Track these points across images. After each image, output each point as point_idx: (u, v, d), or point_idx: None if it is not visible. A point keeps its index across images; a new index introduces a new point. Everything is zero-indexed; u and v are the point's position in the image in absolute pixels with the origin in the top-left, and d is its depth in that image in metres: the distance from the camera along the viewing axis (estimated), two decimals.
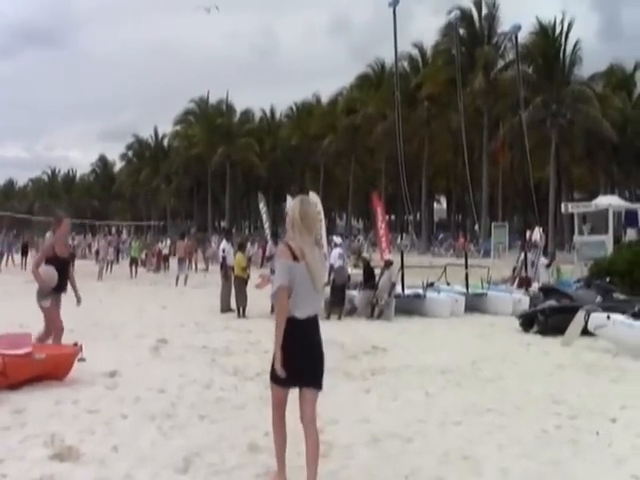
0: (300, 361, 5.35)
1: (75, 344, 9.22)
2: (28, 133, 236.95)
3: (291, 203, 5.60)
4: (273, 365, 5.26)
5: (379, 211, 22.50)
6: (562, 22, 53.42)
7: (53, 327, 9.72)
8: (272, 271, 12.89)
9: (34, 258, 11.19)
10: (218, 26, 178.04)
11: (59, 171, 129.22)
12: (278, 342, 5.21)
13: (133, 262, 35.44)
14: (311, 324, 5.51)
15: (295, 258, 5.26)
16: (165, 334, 13.58)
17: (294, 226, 5.32)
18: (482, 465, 6.14)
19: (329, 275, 18.54)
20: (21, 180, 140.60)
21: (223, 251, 20.12)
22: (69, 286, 10.21)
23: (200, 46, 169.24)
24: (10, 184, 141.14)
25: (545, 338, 14.30)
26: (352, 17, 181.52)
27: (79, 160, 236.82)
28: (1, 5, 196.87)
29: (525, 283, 21.24)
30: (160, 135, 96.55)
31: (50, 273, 9.64)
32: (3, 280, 29.83)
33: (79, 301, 10.18)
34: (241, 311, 17.81)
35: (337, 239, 21.49)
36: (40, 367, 8.52)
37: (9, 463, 5.90)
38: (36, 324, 10.22)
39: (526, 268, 21.97)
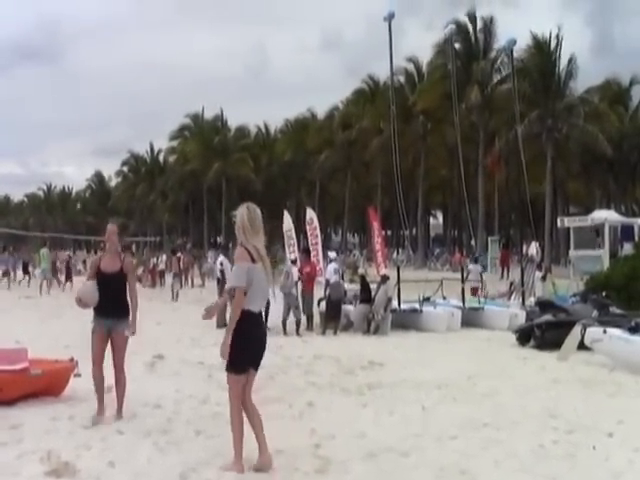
0: (256, 348, 6.18)
1: (71, 359, 9.21)
2: (22, 149, 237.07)
3: (240, 209, 6.29)
4: (231, 360, 6.04)
5: (375, 226, 22.53)
6: (558, 36, 53.58)
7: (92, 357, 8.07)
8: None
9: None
10: (211, 43, 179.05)
11: (54, 187, 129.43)
12: (229, 333, 6.00)
13: None
14: (262, 316, 6.46)
15: (253, 260, 6.08)
16: (161, 350, 13.54)
17: (245, 231, 6.18)
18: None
19: (325, 290, 18.54)
20: (16, 196, 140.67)
21: (221, 264, 20.08)
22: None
23: (194, 63, 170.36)
24: (6, 200, 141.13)
25: (541, 352, 14.29)
26: (344, 33, 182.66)
27: (74, 176, 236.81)
28: None
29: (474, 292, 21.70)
30: (156, 151, 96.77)
31: (87, 289, 8.09)
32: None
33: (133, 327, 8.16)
34: None
35: (332, 254, 21.49)
36: (36, 383, 8.51)
37: (5, 479, 5.89)
38: (32, 339, 10.20)
39: (523, 282, 21.99)
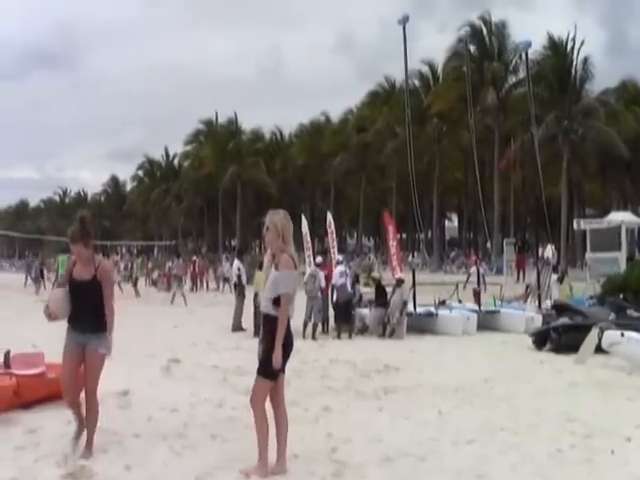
0: (289, 353, 6.27)
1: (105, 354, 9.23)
2: (38, 154, 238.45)
3: (277, 216, 6.26)
4: (269, 365, 6.07)
5: (390, 229, 22.47)
6: (573, 38, 53.39)
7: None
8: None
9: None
10: (225, 46, 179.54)
11: (70, 191, 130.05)
12: (280, 342, 6.03)
13: (135, 282, 35.68)
14: None
15: (295, 267, 6.24)
16: (177, 353, 13.57)
17: (285, 238, 6.20)
18: None
19: (331, 293, 18.50)
20: (33, 201, 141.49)
21: (238, 270, 20.08)
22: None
23: (208, 66, 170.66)
24: (23, 205, 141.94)
25: (558, 356, 14.21)
26: (357, 36, 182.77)
27: (89, 180, 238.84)
28: (11, 29, 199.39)
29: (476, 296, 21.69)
30: (171, 155, 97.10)
31: (56, 297, 6.98)
32: (16, 300, 29.98)
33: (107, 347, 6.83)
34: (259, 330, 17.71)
35: (339, 257, 21.43)
36: (53, 387, 8.52)
37: None
38: (48, 343, 10.21)
39: (539, 285, 21.88)
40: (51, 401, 8.57)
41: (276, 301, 6.11)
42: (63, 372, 6.86)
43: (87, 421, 6.87)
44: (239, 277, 19.81)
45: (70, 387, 6.85)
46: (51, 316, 6.81)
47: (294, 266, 6.20)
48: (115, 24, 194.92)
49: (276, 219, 6.23)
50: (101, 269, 6.78)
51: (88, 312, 6.70)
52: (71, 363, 6.77)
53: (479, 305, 19.92)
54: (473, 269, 26.29)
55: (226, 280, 37.69)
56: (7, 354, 8.89)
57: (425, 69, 64.13)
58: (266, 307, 6.19)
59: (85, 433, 6.89)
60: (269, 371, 6.11)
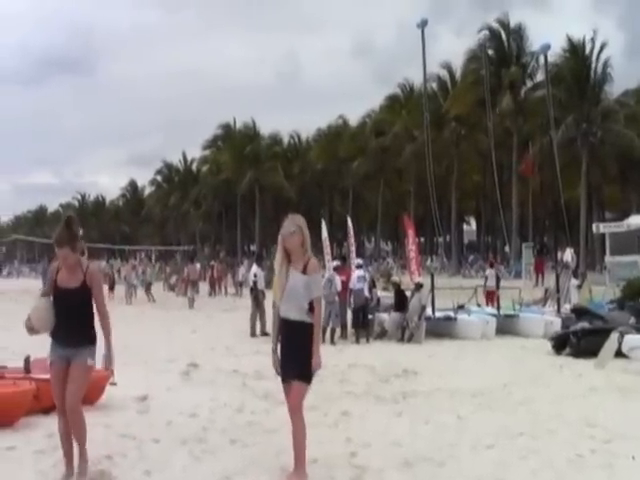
0: None
1: (106, 368, 9.27)
2: (57, 159, 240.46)
3: (301, 219, 6.16)
4: (309, 369, 6.01)
5: (410, 233, 22.42)
6: (592, 40, 53.14)
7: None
8: None
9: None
10: (243, 51, 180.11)
11: (89, 196, 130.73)
12: (319, 345, 6.08)
13: (149, 287, 35.90)
14: None
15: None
16: (195, 358, 13.61)
17: (307, 242, 6.12)
18: None
19: (349, 297, 18.49)
20: (51, 206, 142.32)
21: (255, 275, 20.13)
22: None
23: (225, 71, 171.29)
24: (42, 210, 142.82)
25: (578, 360, 14.13)
26: (375, 40, 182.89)
27: (108, 185, 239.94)
28: (30, 35, 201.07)
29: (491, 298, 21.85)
30: (189, 160, 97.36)
31: (38, 307, 6.21)
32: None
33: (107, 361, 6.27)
34: None
35: (359, 260, 21.44)
36: None
37: None
38: None
39: (558, 289, 21.79)
40: None
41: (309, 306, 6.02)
42: (55, 394, 6.17)
43: (75, 439, 6.15)
44: (255, 282, 19.87)
45: (64, 409, 6.12)
46: (33, 330, 6.10)
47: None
48: (133, 30, 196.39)
49: (301, 222, 6.11)
50: (90, 274, 6.14)
51: (75, 323, 6.04)
52: (61, 383, 6.07)
53: (498, 308, 19.86)
54: (489, 271, 26.37)
55: (240, 285, 37.89)
56: (27, 359, 8.96)
57: (443, 73, 64.07)
58: (296, 313, 6.01)
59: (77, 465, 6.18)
60: (310, 375, 6.02)
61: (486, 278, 25.51)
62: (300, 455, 6.03)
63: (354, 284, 18.34)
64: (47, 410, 8.37)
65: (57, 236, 6.14)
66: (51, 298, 6.17)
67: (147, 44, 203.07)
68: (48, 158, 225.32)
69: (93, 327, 6.16)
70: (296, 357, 5.99)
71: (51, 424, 7.92)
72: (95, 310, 6.16)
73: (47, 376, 8.44)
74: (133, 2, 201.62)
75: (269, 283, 20.29)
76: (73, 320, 6.04)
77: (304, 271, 6.01)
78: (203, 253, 77.74)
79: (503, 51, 58.48)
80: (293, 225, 6.06)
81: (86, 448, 6.17)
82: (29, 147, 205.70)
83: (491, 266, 27.76)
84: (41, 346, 8.37)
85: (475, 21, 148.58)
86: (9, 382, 8.34)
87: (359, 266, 19.76)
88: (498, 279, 25.48)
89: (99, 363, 6.23)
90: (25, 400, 8.09)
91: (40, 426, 7.92)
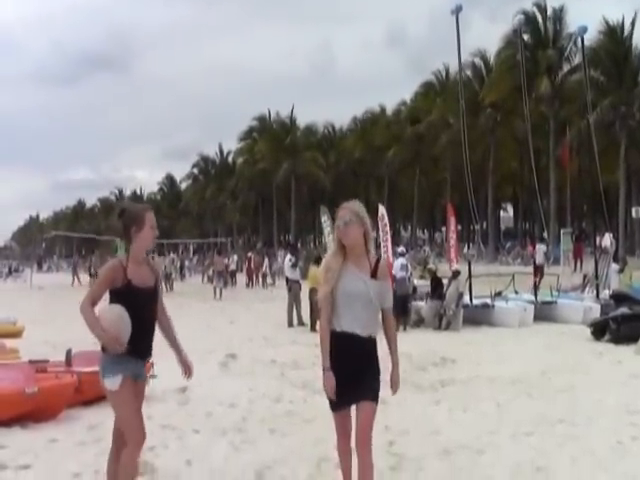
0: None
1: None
2: (95, 155, 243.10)
3: (359, 206, 4.95)
4: (379, 389, 4.91)
5: (452, 221, 22.30)
6: (633, 22, 52.29)
7: (128, 435, 4.96)
8: None
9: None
10: (277, 43, 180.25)
11: (126, 190, 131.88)
12: (398, 361, 5.01)
13: (168, 277, 36.52)
14: None
15: None
16: (234, 349, 13.73)
17: (368, 234, 5.00)
18: (555, 477, 6.06)
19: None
20: (90, 201, 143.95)
21: (289, 264, 20.20)
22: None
23: (260, 63, 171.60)
24: (80, 205, 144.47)
25: (618, 346, 14.01)
26: (408, 29, 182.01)
27: (145, 180, 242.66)
28: (67, 35, 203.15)
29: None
30: (225, 152, 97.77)
31: (115, 316, 4.88)
32: (75, 299, 30.53)
33: (187, 368, 5.36)
34: (317, 325, 17.84)
35: (400, 249, 21.40)
36: None
37: (85, 477, 6.08)
38: None
39: (597, 275, 21.58)
40: None
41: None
42: (130, 418, 4.98)
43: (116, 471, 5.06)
44: (289, 273, 19.95)
45: (143, 435, 5.03)
46: (118, 342, 4.85)
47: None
48: (167, 26, 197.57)
49: (360, 210, 4.93)
50: (156, 269, 5.33)
51: (151, 331, 5.12)
52: (136, 403, 5.07)
53: (535, 295, 19.73)
54: (539, 246, 27.90)
55: (276, 275, 38.11)
56: (69, 352, 9.09)
57: (477, 60, 63.51)
58: (366, 327, 4.81)
59: None
60: (378, 398, 4.88)
61: (535, 254, 26.39)
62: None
63: (396, 272, 18.32)
64: (88, 402, 8.52)
65: (134, 217, 5.07)
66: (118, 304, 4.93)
67: (181, 40, 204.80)
68: (86, 154, 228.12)
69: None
70: (365, 377, 4.81)
71: (92, 416, 8.07)
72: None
73: (88, 369, 8.61)
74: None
75: (305, 273, 20.35)
76: (151, 326, 5.11)
77: (374, 274, 4.85)
78: (239, 245, 78.06)
79: (539, 35, 57.73)
80: (350, 213, 4.88)
81: None
82: (67, 144, 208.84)
83: (541, 240, 28.41)
84: (80, 340, 8.49)
85: (509, 6, 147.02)
86: (51, 375, 8.46)
87: (401, 254, 19.73)
88: (546, 255, 26.41)
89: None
90: (67, 393, 8.20)
91: (81, 418, 8.05)
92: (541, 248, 27.89)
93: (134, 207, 5.23)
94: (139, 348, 5.00)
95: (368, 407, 4.79)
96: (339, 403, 4.83)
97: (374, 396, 4.82)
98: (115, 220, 5.23)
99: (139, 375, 5.13)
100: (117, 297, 4.91)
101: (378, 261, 4.92)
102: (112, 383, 4.92)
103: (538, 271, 24.39)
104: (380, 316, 4.94)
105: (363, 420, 4.79)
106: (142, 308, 4.94)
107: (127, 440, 4.93)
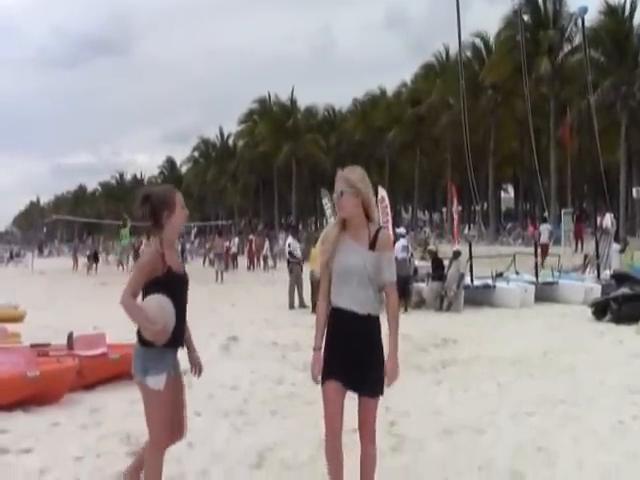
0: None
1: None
2: (95, 139, 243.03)
3: (354, 174, 4.61)
4: (383, 380, 4.52)
5: (455, 201, 22.32)
6: (633, 2, 52.03)
7: (152, 436, 4.73)
8: None
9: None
10: (277, 26, 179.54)
11: (127, 174, 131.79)
12: (397, 347, 4.55)
13: None
14: None
15: None
16: (235, 331, 13.75)
17: (367, 203, 4.62)
18: (557, 457, 6.06)
19: None
20: (91, 185, 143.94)
21: (289, 246, 20.18)
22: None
23: (260, 47, 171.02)
24: (81, 190, 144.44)
25: (619, 326, 14.03)
26: (407, 10, 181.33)
27: (145, 163, 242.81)
28: (67, 18, 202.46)
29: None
30: (225, 135, 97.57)
31: (161, 306, 4.54)
32: (76, 283, 30.56)
33: (197, 369, 5.20)
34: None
35: (401, 230, 21.37)
36: (115, 367, 8.70)
37: (87, 460, 6.08)
38: (109, 324, 10.36)
39: (598, 255, 21.57)
40: (113, 381, 8.76)
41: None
42: (164, 422, 4.73)
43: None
44: (290, 254, 19.90)
45: (168, 439, 4.87)
46: (166, 334, 4.57)
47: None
48: (168, 10, 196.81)
49: (358, 178, 4.57)
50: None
51: (185, 320, 4.84)
52: (177, 399, 4.91)
53: (536, 276, 19.72)
54: (543, 226, 28.93)
55: (277, 257, 38.08)
56: (70, 336, 9.11)
57: (477, 40, 63.27)
58: (363, 304, 4.48)
59: None
60: (383, 387, 4.53)
61: (540, 233, 27.73)
62: None
63: (397, 253, 18.29)
64: (90, 386, 8.53)
65: (164, 202, 4.72)
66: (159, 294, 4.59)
67: (181, 23, 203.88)
68: (86, 138, 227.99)
69: None
70: (366, 364, 4.46)
71: (94, 400, 8.08)
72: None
73: (90, 352, 8.63)
74: None
75: (306, 255, 20.34)
76: (185, 316, 4.80)
77: (372, 246, 4.51)
78: (240, 227, 78.05)
79: (539, 15, 57.42)
80: (343, 184, 4.53)
81: None
82: (67, 128, 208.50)
83: (544, 221, 28.81)
84: (81, 324, 8.49)
85: None
86: (53, 359, 8.48)
87: (402, 235, 19.70)
88: (551, 234, 27.03)
89: None
90: (69, 377, 8.21)
91: (83, 402, 8.06)
92: (547, 227, 28.63)
93: (160, 190, 4.85)
94: (178, 338, 4.72)
95: (372, 404, 4.53)
96: (331, 373, 4.44)
97: (379, 390, 4.51)
98: (137, 208, 4.78)
99: (177, 366, 4.86)
100: (157, 286, 4.54)
101: (378, 231, 4.56)
102: (157, 382, 4.64)
103: (543, 250, 24.58)
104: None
105: (368, 415, 4.56)
106: (180, 295, 4.68)
107: (149, 439, 4.72)
